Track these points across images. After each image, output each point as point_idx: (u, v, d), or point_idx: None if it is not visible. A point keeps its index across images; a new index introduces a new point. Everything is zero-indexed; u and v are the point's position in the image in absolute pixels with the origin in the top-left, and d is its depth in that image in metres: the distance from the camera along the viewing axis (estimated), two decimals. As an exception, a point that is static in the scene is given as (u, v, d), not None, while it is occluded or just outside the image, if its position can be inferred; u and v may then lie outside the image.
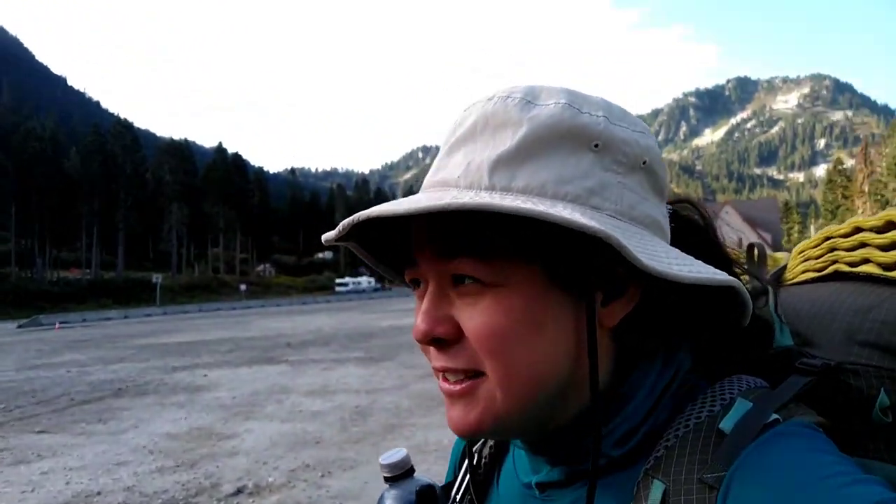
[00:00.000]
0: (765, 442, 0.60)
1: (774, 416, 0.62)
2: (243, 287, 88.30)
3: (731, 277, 0.66)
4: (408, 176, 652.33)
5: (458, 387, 0.68)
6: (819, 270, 0.86)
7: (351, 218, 0.66)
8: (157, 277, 74.71)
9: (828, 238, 0.89)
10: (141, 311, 62.47)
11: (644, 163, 0.69)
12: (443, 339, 0.68)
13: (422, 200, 0.62)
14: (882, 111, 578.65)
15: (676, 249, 0.70)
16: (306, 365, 16.31)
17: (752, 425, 0.62)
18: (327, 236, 0.74)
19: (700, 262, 0.68)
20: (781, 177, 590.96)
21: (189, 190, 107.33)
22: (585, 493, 0.68)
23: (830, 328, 0.78)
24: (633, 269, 0.63)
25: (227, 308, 65.93)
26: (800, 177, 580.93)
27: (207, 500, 6.42)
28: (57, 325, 43.78)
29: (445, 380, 0.70)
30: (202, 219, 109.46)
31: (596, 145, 0.67)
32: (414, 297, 0.73)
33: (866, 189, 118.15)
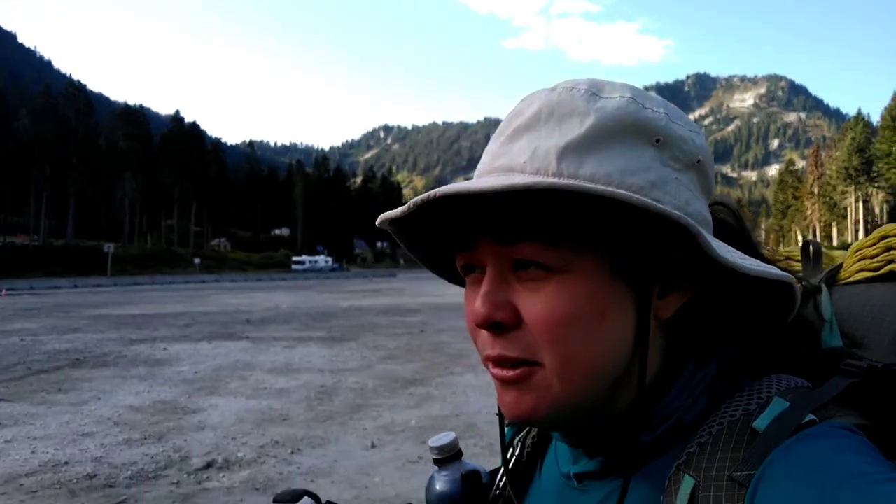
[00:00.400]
0: (796, 441, 0.59)
1: (811, 416, 0.62)
2: (197, 261, 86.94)
3: (787, 273, 0.67)
4: (368, 155, 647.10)
5: (511, 373, 0.68)
6: (874, 270, 0.85)
7: (426, 195, 0.64)
8: (108, 247, 73.11)
9: (884, 237, 0.88)
10: (91, 280, 61.04)
11: (698, 161, 0.70)
12: (502, 324, 0.67)
13: (503, 181, 0.61)
14: (834, 115, 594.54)
15: (727, 245, 0.70)
16: (268, 342, 16.24)
17: (786, 425, 0.61)
18: (387, 215, 0.73)
19: (753, 258, 0.69)
20: (735, 174, 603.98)
21: (144, 158, 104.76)
22: (620, 485, 0.69)
23: (880, 329, 0.77)
24: (689, 261, 0.67)
25: (181, 281, 64.80)
26: (753, 175, 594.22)
27: (177, 474, 6.45)
28: (3, 293, 42.57)
29: (497, 366, 0.70)
30: (156, 188, 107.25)
31: (657, 140, 0.68)
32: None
33: (816, 190, 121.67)
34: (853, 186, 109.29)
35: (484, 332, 0.71)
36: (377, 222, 0.76)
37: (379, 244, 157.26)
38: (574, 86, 0.70)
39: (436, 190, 0.64)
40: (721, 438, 0.64)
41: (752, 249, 0.76)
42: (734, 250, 0.69)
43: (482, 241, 0.70)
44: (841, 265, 0.89)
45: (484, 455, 6.95)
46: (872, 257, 0.87)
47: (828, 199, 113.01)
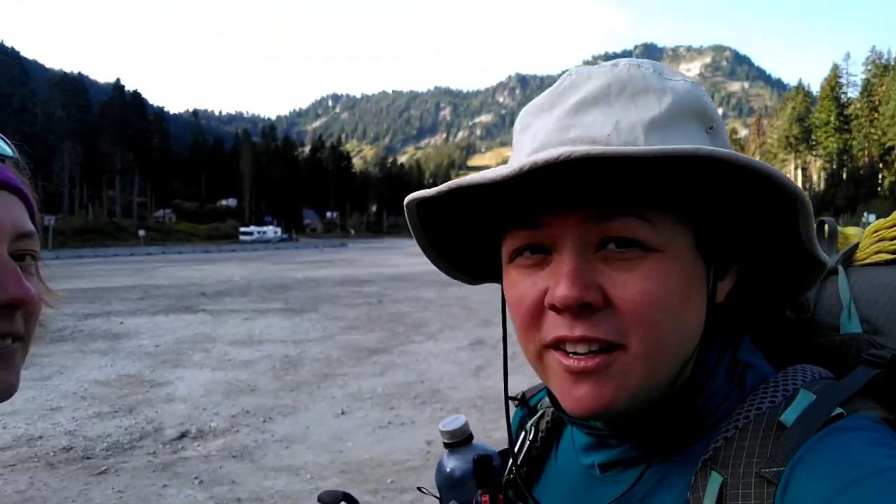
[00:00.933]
0: (825, 436, 0.59)
1: (838, 409, 0.61)
2: (142, 233, 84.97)
3: (827, 259, 0.69)
4: (316, 124, 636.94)
5: (590, 362, 0.66)
6: (893, 252, 0.84)
7: (549, 156, 0.57)
8: (48, 219, 70.73)
9: None
10: (32, 254, 59.08)
11: None
12: (592, 305, 0.64)
13: (652, 148, 0.57)
14: (776, 84, 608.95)
15: None
16: (226, 315, 16.24)
17: (814, 419, 0.61)
18: (418, 195, 0.72)
19: None
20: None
21: (83, 128, 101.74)
22: (644, 475, 0.70)
23: None
24: (757, 243, 0.71)
25: (126, 254, 63.26)
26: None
27: (152, 444, 6.59)
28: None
29: (569, 356, 0.67)
30: (97, 159, 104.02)
31: (711, 127, 0.70)
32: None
33: (757, 158, 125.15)
34: (793, 154, 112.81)
35: (552, 316, 0.67)
36: (406, 201, 0.74)
37: (329, 214, 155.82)
38: (640, 63, 0.71)
39: (564, 150, 0.57)
40: (748, 433, 0.64)
41: None
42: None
43: (561, 217, 0.66)
44: (857, 245, 0.88)
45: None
46: (891, 239, 0.85)
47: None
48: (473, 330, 13.10)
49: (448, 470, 1.00)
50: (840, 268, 0.85)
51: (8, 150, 0.86)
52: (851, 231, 0.93)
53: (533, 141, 0.67)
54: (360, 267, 35.90)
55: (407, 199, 0.75)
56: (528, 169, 0.59)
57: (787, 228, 0.66)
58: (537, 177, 0.62)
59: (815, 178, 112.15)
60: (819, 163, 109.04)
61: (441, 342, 11.88)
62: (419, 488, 1.09)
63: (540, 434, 0.92)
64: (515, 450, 0.93)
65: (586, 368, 0.65)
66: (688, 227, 0.66)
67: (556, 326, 0.66)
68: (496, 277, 0.86)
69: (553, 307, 0.65)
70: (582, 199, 0.64)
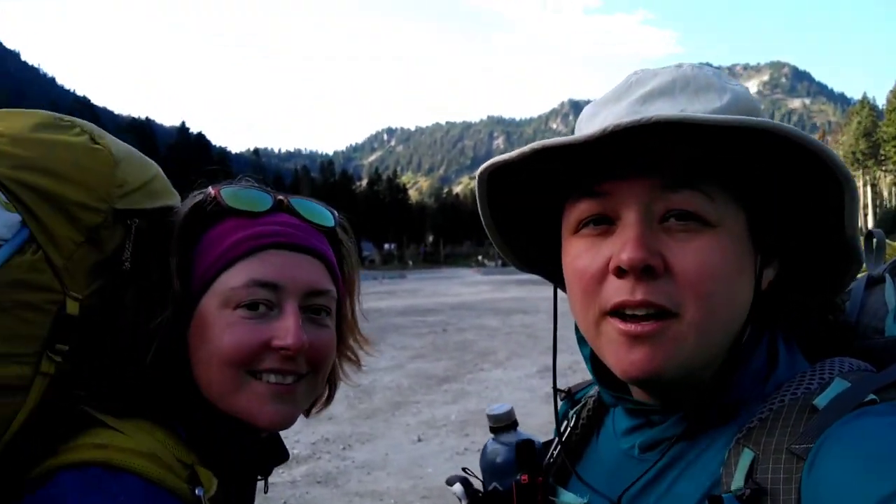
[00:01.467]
0: (855, 418, 0.60)
1: (871, 396, 0.63)
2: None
3: (863, 252, 0.75)
4: (372, 158, 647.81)
5: (648, 327, 0.69)
6: None
7: (630, 120, 0.63)
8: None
9: None
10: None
11: None
12: (654, 269, 0.68)
13: (725, 117, 0.63)
14: (839, 99, 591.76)
15: None
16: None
17: (846, 403, 0.62)
18: (498, 159, 0.77)
19: None
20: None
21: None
22: (682, 455, 0.74)
23: None
24: (804, 230, 0.76)
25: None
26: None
27: (240, 471, 6.82)
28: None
29: (626, 320, 0.71)
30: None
31: None
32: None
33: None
34: (861, 171, 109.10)
35: (614, 281, 0.71)
36: (481, 170, 0.79)
37: (386, 246, 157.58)
38: (702, 66, 0.78)
39: (646, 116, 0.63)
40: (781, 414, 0.66)
41: None
42: None
43: (627, 187, 0.71)
44: None
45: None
46: None
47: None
48: (540, 357, 13.05)
49: (491, 454, 1.05)
50: (888, 276, 0.87)
51: (330, 221, 1.06)
52: None
53: (602, 125, 0.70)
54: (421, 297, 36.15)
55: (484, 165, 0.79)
56: (612, 130, 0.64)
57: (832, 217, 0.70)
58: (606, 147, 0.67)
59: (885, 193, 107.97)
60: (889, 178, 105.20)
61: (509, 370, 11.90)
62: (464, 469, 1.13)
63: (581, 422, 0.97)
64: (557, 438, 0.99)
65: (643, 332, 0.70)
66: (741, 209, 0.72)
67: (617, 292, 0.71)
68: (544, 268, 0.95)
69: (618, 270, 0.70)
70: (649, 168, 0.70)
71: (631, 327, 0.70)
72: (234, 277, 0.92)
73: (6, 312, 0.79)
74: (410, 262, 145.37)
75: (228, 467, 0.92)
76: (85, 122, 0.97)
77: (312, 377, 0.98)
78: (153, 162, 1.08)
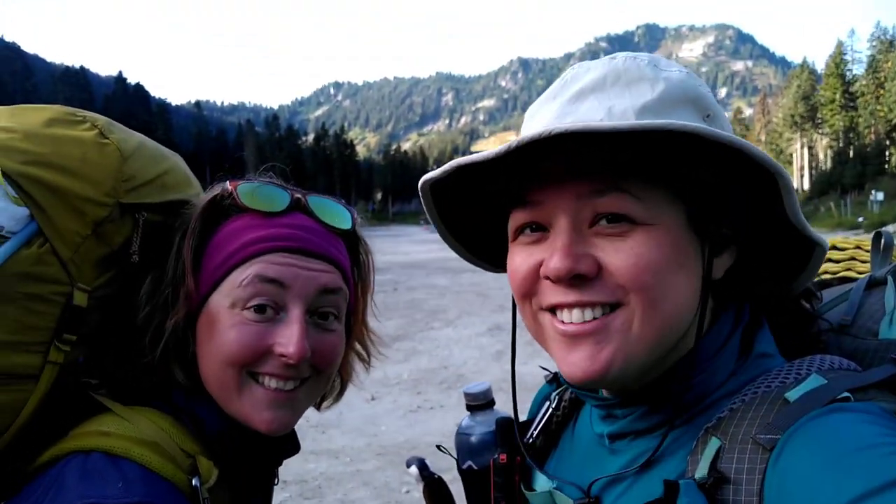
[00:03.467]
0: (826, 413, 0.60)
1: (845, 393, 0.62)
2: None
3: (825, 240, 0.74)
4: (319, 112, 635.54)
5: (590, 324, 0.71)
6: None
7: (532, 133, 0.64)
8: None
9: None
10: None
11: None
12: (584, 275, 0.70)
13: (632, 123, 0.64)
14: (780, 63, 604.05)
15: None
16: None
17: (818, 398, 0.62)
18: (428, 177, 0.78)
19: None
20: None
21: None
22: (650, 447, 0.73)
23: None
24: (750, 219, 0.75)
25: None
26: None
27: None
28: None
29: (564, 322, 0.73)
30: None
31: (708, 115, 0.74)
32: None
33: (763, 138, 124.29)
34: (799, 133, 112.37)
35: (548, 285, 0.73)
36: (420, 185, 0.80)
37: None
38: (636, 56, 0.76)
39: (546, 128, 0.64)
40: (752, 406, 0.66)
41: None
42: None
43: (555, 195, 0.72)
44: None
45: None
46: None
47: (774, 146, 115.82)
48: (490, 315, 13.27)
49: (468, 432, 1.04)
50: (890, 278, 0.87)
51: (347, 224, 1.05)
52: None
53: (536, 127, 0.72)
54: (370, 255, 36.02)
55: (420, 182, 0.81)
56: (516, 146, 0.66)
57: (774, 206, 0.71)
58: (532, 158, 0.70)
59: (821, 156, 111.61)
60: (825, 141, 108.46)
61: (460, 328, 12.08)
62: (438, 447, 1.13)
63: (563, 404, 0.97)
64: (537, 420, 0.99)
65: (582, 331, 0.71)
66: (679, 204, 0.72)
67: (552, 294, 0.74)
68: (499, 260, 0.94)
69: (547, 278, 0.73)
70: (573, 175, 0.71)
71: (569, 328, 0.72)
72: (242, 276, 0.92)
73: (15, 303, 0.82)
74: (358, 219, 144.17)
75: (234, 459, 0.94)
76: (98, 116, 0.99)
77: (315, 379, 0.99)
78: (171, 154, 1.08)
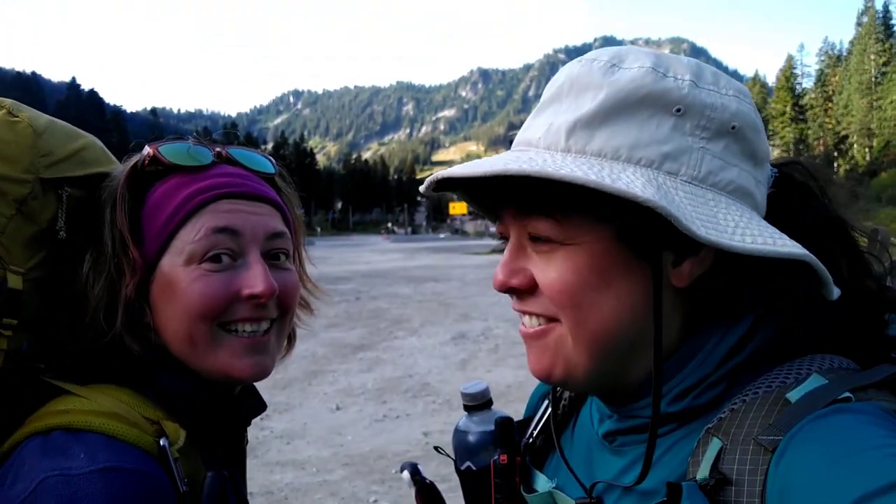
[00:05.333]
0: (827, 414, 0.59)
1: (846, 393, 0.61)
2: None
3: (800, 251, 0.64)
4: (278, 121, 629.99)
5: (532, 330, 0.76)
6: None
7: (431, 177, 0.75)
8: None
9: None
10: None
11: (733, 127, 0.70)
12: (517, 289, 0.75)
13: (494, 163, 0.68)
14: (732, 76, 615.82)
15: (759, 218, 0.70)
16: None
17: (820, 398, 0.61)
18: (423, 190, 0.81)
19: (779, 233, 0.67)
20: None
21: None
22: (653, 445, 0.71)
23: None
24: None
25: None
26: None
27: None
28: None
29: (524, 325, 0.78)
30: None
31: (678, 110, 0.68)
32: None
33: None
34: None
35: None
36: (423, 186, 0.80)
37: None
38: (596, 57, 0.73)
39: (439, 173, 0.73)
40: (753, 406, 0.65)
41: (822, 213, 0.76)
42: (754, 224, 0.67)
43: (505, 214, 0.77)
44: None
45: (443, 411, 7.48)
46: None
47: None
48: (454, 325, 13.30)
49: (466, 433, 1.03)
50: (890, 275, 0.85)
51: (271, 168, 1.07)
52: None
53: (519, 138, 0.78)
54: (332, 265, 35.79)
55: (424, 184, 0.81)
56: (427, 183, 0.77)
57: None
58: (493, 179, 0.70)
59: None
60: (777, 152, 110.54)
61: (424, 337, 12.07)
62: (436, 448, 1.13)
63: (563, 403, 0.97)
64: (537, 416, 0.99)
65: (528, 335, 0.77)
66: (604, 224, 0.70)
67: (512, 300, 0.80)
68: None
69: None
70: (510, 199, 0.75)
71: (522, 329, 0.79)
72: (192, 231, 0.92)
73: None
74: (318, 229, 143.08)
75: (201, 420, 0.94)
76: (4, 98, 0.98)
77: (281, 322, 1.00)
78: (86, 133, 1.07)
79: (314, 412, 7.58)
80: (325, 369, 9.74)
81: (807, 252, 0.65)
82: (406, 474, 1.06)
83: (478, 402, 1.06)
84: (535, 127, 0.74)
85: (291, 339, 1.15)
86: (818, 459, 0.55)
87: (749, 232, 0.65)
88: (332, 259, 43.35)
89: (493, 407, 1.08)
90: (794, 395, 0.63)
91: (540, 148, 0.71)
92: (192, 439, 0.90)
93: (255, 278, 0.92)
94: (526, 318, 0.77)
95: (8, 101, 0.97)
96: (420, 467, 1.07)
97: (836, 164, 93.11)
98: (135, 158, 0.99)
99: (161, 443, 0.83)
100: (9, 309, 0.87)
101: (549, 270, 0.72)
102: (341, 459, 6.10)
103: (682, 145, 0.68)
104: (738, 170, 0.71)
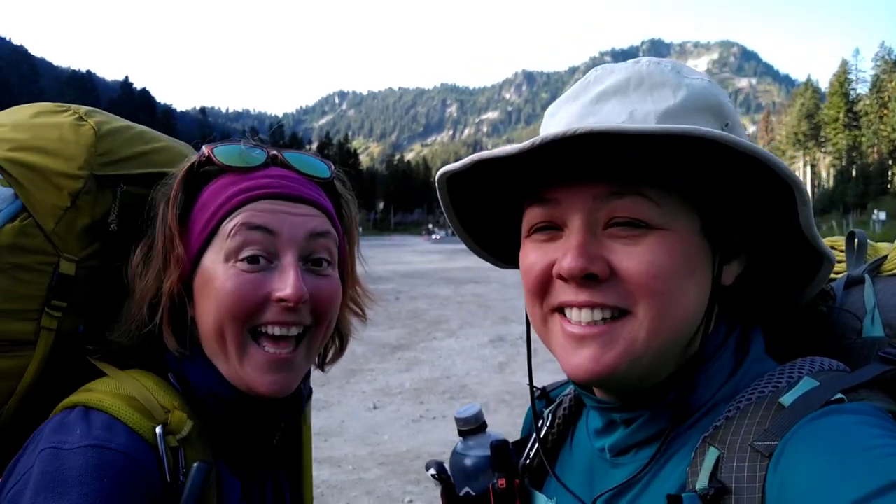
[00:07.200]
0: (821, 416, 0.60)
1: (839, 395, 0.62)
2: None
3: (833, 254, 0.73)
4: (323, 121, 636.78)
5: (591, 329, 0.72)
6: None
7: (555, 133, 0.64)
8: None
9: None
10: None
11: None
12: (596, 275, 0.71)
13: (663, 127, 0.64)
14: (784, 80, 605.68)
15: None
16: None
17: (813, 401, 0.62)
18: (447, 169, 0.80)
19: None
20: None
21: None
22: (651, 457, 0.73)
23: None
24: (762, 229, 0.75)
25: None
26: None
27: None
28: None
29: (571, 322, 0.74)
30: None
31: (727, 124, 0.75)
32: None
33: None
34: (802, 151, 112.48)
35: (559, 284, 0.75)
36: (437, 177, 0.81)
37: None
38: (660, 62, 0.77)
39: (571, 128, 0.64)
40: (748, 413, 0.66)
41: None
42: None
43: (573, 195, 0.73)
44: (885, 257, 0.91)
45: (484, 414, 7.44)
46: None
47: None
48: (493, 327, 13.25)
49: (463, 457, 1.02)
50: (867, 277, 0.88)
51: (326, 173, 1.07)
52: (882, 245, 0.99)
53: (557, 126, 0.75)
54: (372, 264, 35.54)
55: (438, 173, 0.82)
56: (539, 144, 0.66)
57: (789, 217, 0.71)
58: (552, 155, 0.70)
59: (824, 175, 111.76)
60: (828, 160, 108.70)
61: (462, 339, 12.07)
62: (433, 476, 1.09)
63: (557, 421, 0.96)
64: (533, 437, 0.97)
65: (588, 334, 0.72)
66: (694, 211, 0.72)
67: (563, 292, 0.75)
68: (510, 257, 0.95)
69: (560, 276, 0.73)
70: (593, 176, 0.71)
71: (575, 329, 0.73)
72: (229, 228, 0.94)
73: (4, 273, 0.90)
74: (360, 229, 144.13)
75: (221, 416, 0.95)
76: (82, 106, 1.06)
77: (314, 331, 0.99)
78: (175, 141, 1.14)
79: (352, 410, 7.62)
80: (364, 368, 9.80)
81: (834, 256, 0.74)
82: (432, 471, 1.05)
83: (472, 427, 1.04)
84: (604, 114, 0.74)
85: (343, 342, 1.17)
86: (815, 462, 0.56)
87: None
88: (372, 259, 43.18)
89: (488, 430, 1.06)
90: (787, 399, 0.64)
91: None
92: (207, 432, 0.93)
93: (286, 282, 0.92)
94: (584, 313, 0.73)
95: (84, 109, 1.06)
96: (446, 466, 1.06)
97: (890, 173, 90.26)
98: (192, 159, 1.01)
99: (157, 430, 0.86)
100: (59, 292, 0.94)
101: (636, 255, 0.70)
102: (377, 458, 6.12)
103: None
104: None
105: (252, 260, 0.93)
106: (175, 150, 1.12)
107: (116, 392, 0.88)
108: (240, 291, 0.91)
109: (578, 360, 0.73)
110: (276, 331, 0.94)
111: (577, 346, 0.73)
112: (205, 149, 1.01)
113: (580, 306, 0.73)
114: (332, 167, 1.10)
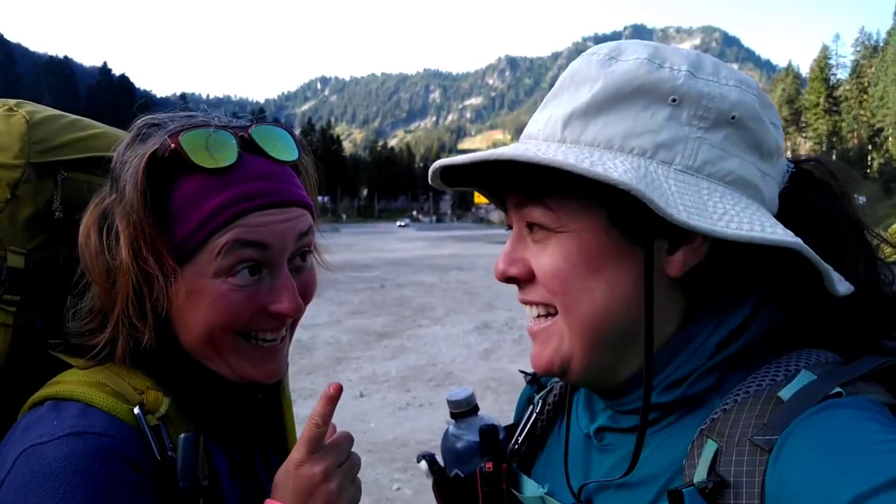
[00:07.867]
0: (820, 410, 0.60)
1: (837, 388, 0.62)
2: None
3: (792, 239, 0.64)
4: (305, 107, 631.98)
5: (535, 326, 0.78)
6: None
7: (435, 165, 0.78)
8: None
9: None
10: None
11: (733, 117, 0.69)
12: (516, 278, 0.76)
13: (490, 153, 0.70)
14: (765, 66, 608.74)
15: (758, 208, 0.69)
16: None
17: (811, 395, 0.62)
18: (431, 181, 0.83)
19: (774, 221, 0.67)
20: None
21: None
22: (643, 441, 0.71)
23: None
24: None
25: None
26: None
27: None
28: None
29: (531, 320, 0.80)
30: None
31: (673, 100, 0.68)
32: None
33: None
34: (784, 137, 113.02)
35: None
36: (431, 170, 0.81)
37: (319, 199, 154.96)
38: (596, 51, 0.74)
39: (438, 162, 0.76)
40: (746, 406, 0.65)
41: (839, 214, 0.74)
42: (746, 213, 0.66)
43: (509, 204, 0.79)
44: None
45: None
46: None
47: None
48: (478, 314, 13.30)
49: (454, 440, 1.03)
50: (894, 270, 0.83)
51: (294, 155, 0.98)
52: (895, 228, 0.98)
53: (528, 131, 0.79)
54: (357, 252, 35.96)
55: (431, 168, 0.81)
56: (431, 172, 0.79)
57: None
58: (497, 167, 0.73)
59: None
60: (809, 145, 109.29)
61: (448, 326, 12.11)
62: (419, 461, 1.10)
63: (547, 407, 0.97)
64: (521, 424, 0.98)
65: (531, 330, 0.79)
66: (597, 210, 0.71)
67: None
68: None
69: None
70: (510, 188, 0.77)
71: (528, 325, 0.80)
72: (219, 245, 0.87)
73: None
74: (344, 216, 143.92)
75: (195, 392, 0.93)
76: (10, 99, 1.04)
77: (294, 322, 1.01)
78: (110, 127, 1.11)
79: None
80: (350, 356, 9.81)
81: (799, 241, 0.64)
82: (423, 464, 1.06)
83: (463, 409, 1.05)
84: (537, 121, 0.76)
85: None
86: (815, 457, 0.55)
87: (738, 219, 0.65)
88: (357, 246, 43.52)
89: (486, 405, 1.08)
90: (785, 393, 0.64)
91: (539, 140, 0.73)
92: (184, 409, 0.91)
93: (282, 297, 0.90)
94: (528, 311, 0.79)
95: (12, 101, 1.03)
96: (437, 457, 1.07)
97: (870, 157, 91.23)
98: (152, 146, 0.88)
99: (135, 410, 0.85)
100: (10, 286, 0.92)
101: (542, 258, 0.73)
102: (365, 446, 6.13)
103: (678, 135, 0.68)
104: (740, 161, 0.70)
105: (245, 275, 0.89)
106: (113, 135, 1.07)
107: (85, 381, 0.86)
108: (235, 308, 0.89)
109: (531, 354, 0.79)
110: (268, 336, 0.94)
111: (532, 341, 0.79)
112: (169, 139, 0.87)
113: (523, 303, 0.79)
114: (297, 139, 1.01)
